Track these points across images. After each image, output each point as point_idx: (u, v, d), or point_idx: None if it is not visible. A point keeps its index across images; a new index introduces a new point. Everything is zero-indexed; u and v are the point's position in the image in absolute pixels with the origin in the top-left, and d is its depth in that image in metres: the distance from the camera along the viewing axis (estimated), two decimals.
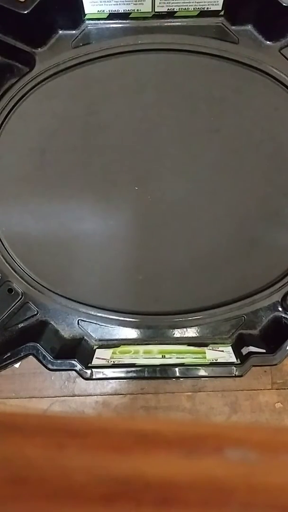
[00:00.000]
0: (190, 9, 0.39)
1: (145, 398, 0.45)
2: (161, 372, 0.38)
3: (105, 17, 0.39)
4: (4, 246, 0.41)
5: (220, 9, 0.39)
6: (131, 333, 0.43)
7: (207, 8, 0.39)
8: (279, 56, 0.39)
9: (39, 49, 0.39)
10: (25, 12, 0.35)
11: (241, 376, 0.38)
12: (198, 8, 0.39)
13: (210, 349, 0.41)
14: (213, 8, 0.39)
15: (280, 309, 0.42)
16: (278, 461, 0.11)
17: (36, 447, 0.10)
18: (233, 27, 0.40)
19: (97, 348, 0.42)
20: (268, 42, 0.40)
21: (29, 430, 0.11)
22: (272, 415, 0.45)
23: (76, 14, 0.39)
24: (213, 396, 0.45)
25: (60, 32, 0.40)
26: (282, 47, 0.39)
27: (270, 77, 0.39)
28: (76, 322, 0.42)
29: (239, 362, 0.38)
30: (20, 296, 0.42)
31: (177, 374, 0.38)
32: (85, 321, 0.42)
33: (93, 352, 0.41)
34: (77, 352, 0.40)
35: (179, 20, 0.40)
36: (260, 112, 0.40)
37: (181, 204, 0.41)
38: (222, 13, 0.39)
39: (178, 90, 0.40)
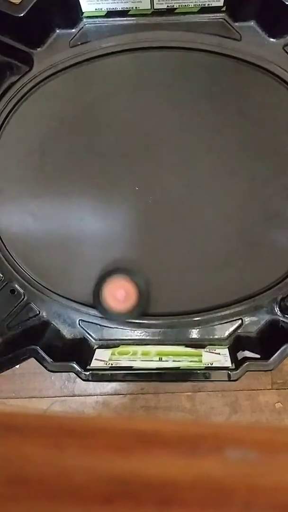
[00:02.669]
0: (190, 6, 0.38)
1: (145, 398, 0.45)
2: (157, 376, 0.38)
3: (103, 15, 0.39)
4: (5, 246, 0.41)
5: (222, 5, 0.38)
6: (131, 334, 0.43)
7: (208, 4, 0.38)
8: (282, 54, 0.38)
9: (37, 49, 0.39)
10: (21, 15, 0.35)
11: (235, 380, 0.37)
12: (199, 4, 0.38)
13: (207, 351, 0.41)
14: (214, 4, 0.38)
15: (278, 312, 0.42)
16: (278, 461, 0.11)
17: (36, 447, 0.10)
18: (235, 24, 0.39)
19: (97, 348, 0.42)
20: (271, 39, 0.39)
21: (29, 430, 0.11)
22: (272, 415, 0.45)
23: (73, 13, 0.38)
24: (213, 396, 0.45)
25: (58, 31, 0.39)
26: (286, 44, 0.38)
27: (274, 75, 0.39)
28: (77, 322, 0.42)
29: (233, 367, 0.38)
30: (22, 297, 0.42)
31: (172, 378, 0.38)
32: (86, 321, 0.42)
33: (93, 352, 0.41)
34: (78, 352, 0.40)
35: (179, 17, 0.39)
36: (263, 111, 0.39)
37: (182, 205, 0.41)
38: (223, 9, 0.38)
39: (179, 89, 0.40)
